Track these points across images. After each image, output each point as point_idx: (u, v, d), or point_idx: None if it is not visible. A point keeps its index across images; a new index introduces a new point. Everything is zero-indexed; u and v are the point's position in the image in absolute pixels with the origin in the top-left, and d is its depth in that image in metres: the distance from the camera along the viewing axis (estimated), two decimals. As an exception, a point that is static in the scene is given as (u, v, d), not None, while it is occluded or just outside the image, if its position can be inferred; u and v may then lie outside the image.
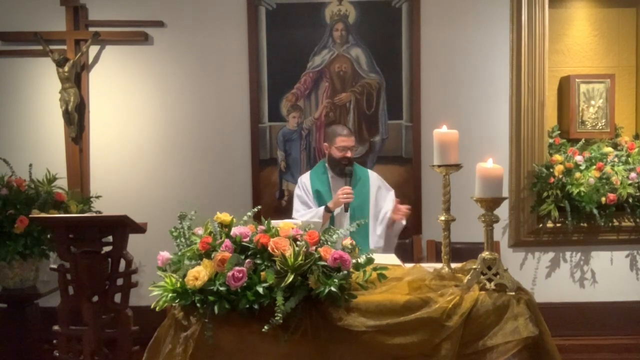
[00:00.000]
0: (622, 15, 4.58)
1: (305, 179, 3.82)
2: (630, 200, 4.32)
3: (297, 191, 3.81)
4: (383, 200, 3.75)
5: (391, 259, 3.02)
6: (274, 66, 4.44)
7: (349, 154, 3.67)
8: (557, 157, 4.34)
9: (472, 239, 3.85)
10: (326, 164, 3.79)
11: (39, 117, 4.50)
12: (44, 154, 4.45)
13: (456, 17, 4.42)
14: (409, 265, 2.89)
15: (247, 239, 2.36)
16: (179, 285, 2.27)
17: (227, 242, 2.33)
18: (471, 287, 2.35)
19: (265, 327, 2.16)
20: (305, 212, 3.67)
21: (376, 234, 3.68)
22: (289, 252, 2.24)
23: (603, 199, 4.24)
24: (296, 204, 3.78)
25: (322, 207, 3.62)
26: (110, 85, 4.49)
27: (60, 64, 4.32)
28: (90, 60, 4.49)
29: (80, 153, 4.47)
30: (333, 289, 2.21)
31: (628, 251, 4.49)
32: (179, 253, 2.44)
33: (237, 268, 2.23)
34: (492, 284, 2.36)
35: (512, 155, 4.43)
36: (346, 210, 3.60)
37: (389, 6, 4.42)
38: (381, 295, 2.34)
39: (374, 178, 3.81)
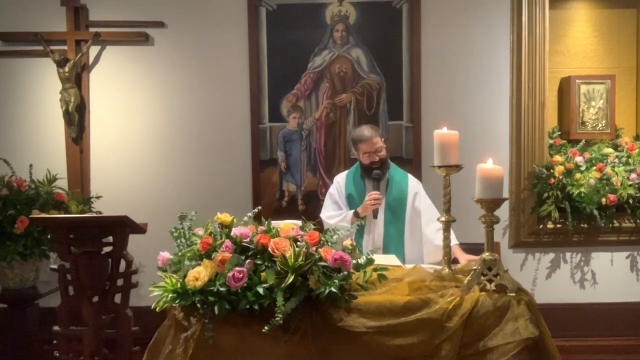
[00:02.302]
0: (623, 16, 4.58)
1: (340, 179, 3.65)
2: (631, 201, 4.32)
3: (331, 189, 3.64)
4: (420, 207, 3.50)
5: (391, 259, 3.02)
6: (274, 67, 4.44)
7: (376, 158, 3.42)
8: (558, 158, 4.34)
9: (472, 240, 3.84)
10: (360, 168, 3.59)
11: (40, 117, 4.50)
12: (45, 154, 4.46)
13: (457, 18, 4.42)
14: (409, 266, 2.89)
15: (248, 239, 2.36)
16: (179, 285, 2.27)
17: (228, 242, 2.33)
18: (471, 288, 2.35)
19: (266, 327, 2.16)
20: (334, 214, 3.52)
21: (412, 242, 3.47)
22: (289, 253, 2.24)
23: (603, 200, 4.24)
24: (327, 201, 3.62)
25: (351, 212, 3.45)
26: (110, 86, 4.49)
27: (60, 64, 4.32)
28: (91, 60, 4.49)
29: (80, 153, 4.47)
30: (333, 289, 2.21)
31: (628, 252, 4.49)
32: (179, 253, 2.44)
33: (237, 268, 2.23)
34: (493, 284, 2.36)
35: (513, 156, 4.43)
36: (375, 217, 3.42)
37: (390, 7, 4.43)
38: (381, 296, 2.34)
39: (412, 183, 3.56)
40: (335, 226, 3.31)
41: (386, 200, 3.49)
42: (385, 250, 3.42)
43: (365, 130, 3.47)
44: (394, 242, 3.46)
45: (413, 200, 3.52)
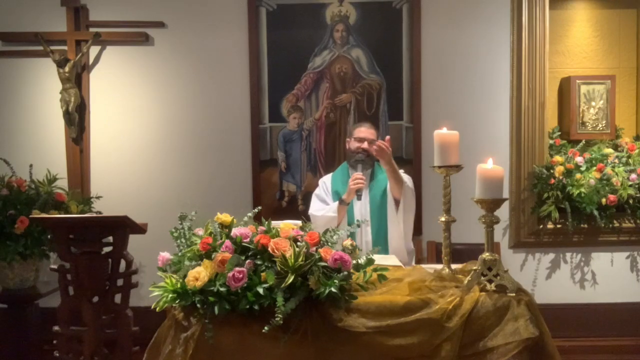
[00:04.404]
0: (623, 16, 4.58)
1: (326, 179, 3.72)
2: (631, 201, 4.32)
3: (317, 191, 3.69)
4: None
5: (391, 260, 3.02)
6: (274, 67, 4.44)
7: (365, 145, 3.55)
8: (558, 158, 4.34)
9: (472, 240, 3.85)
10: (347, 164, 3.69)
11: (40, 117, 4.50)
12: (45, 154, 4.46)
13: (457, 18, 4.42)
14: (409, 266, 2.89)
15: (248, 239, 2.36)
16: (179, 285, 2.27)
17: (228, 242, 2.33)
18: (471, 288, 2.35)
19: (266, 328, 2.16)
20: (320, 207, 3.56)
21: (394, 235, 3.52)
22: (289, 253, 2.24)
23: (603, 200, 4.24)
24: (313, 202, 3.65)
25: (337, 202, 3.50)
26: (110, 86, 4.49)
27: (60, 64, 4.32)
28: (91, 60, 4.49)
29: (80, 153, 4.47)
30: (333, 289, 2.21)
31: (628, 252, 4.49)
32: (180, 254, 2.44)
33: (237, 269, 2.23)
34: (493, 285, 2.36)
35: (513, 156, 4.43)
36: (359, 199, 3.44)
37: (390, 7, 4.43)
38: (381, 296, 2.34)
39: None
40: (322, 218, 3.38)
41: (370, 198, 3.54)
42: (374, 245, 3.45)
43: (366, 123, 3.75)
44: (380, 237, 3.49)
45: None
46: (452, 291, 2.34)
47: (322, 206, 3.59)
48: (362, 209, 3.56)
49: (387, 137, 3.44)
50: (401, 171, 3.57)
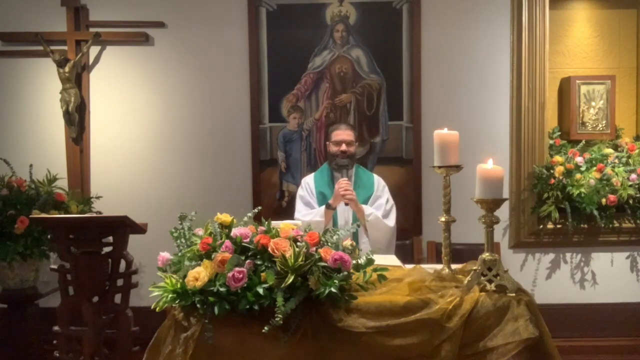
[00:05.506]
0: (623, 16, 4.58)
1: (309, 179, 3.76)
2: (631, 201, 4.32)
3: (300, 192, 3.73)
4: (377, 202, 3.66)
5: (391, 260, 3.02)
6: (274, 67, 4.44)
7: (344, 147, 3.61)
8: (558, 158, 4.34)
9: (472, 240, 3.85)
10: (328, 165, 3.75)
11: (40, 117, 4.50)
12: (45, 154, 4.46)
13: (457, 18, 4.42)
14: (409, 266, 2.89)
15: (248, 239, 2.35)
16: (179, 286, 2.27)
17: (228, 242, 2.33)
18: (471, 288, 2.35)
19: (266, 328, 2.16)
20: (307, 212, 3.60)
21: (364, 237, 3.58)
22: (289, 253, 2.24)
23: (603, 200, 4.24)
24: (298, 204, 3.69)
25: (323, 206, 3.54)
26: (110, 86, 4.49)
27: (60, 64, 4.32)
28: (91, 60, 4.49)
29: (80, 153, 4.47)
30: (333, 290, 2.21)
31: (628, 252, 4.49)
32: (179, 254, 2.44)
33: (237, 269, 2.23)
34: (493, 285, 2.36)
35: (513, 157, 4.43)
36: (346, 204, 3.50)
37: (390, 7, 4.42)
38: (381, 297, 2.34)
39: (377, 184, 3.72)
40: (309, 222, 3.36)
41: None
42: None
43: (342, 124, 3.86)
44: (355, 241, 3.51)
45: (374, 202, 3.64)
46: (452, 291, 2.34)
47: (308, 210, 3.62)
48: (346, 213, 3.59)
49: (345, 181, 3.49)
50: (382, 202, 3.62)
